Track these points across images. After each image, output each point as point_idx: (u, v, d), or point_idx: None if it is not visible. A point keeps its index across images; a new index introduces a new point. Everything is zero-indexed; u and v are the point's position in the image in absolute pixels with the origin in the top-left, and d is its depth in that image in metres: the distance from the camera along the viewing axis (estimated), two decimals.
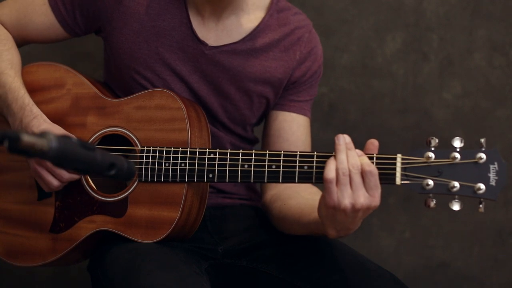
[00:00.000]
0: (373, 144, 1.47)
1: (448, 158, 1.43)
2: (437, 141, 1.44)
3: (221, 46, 1.73)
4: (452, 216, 2.39)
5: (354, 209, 1.41)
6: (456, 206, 1.43)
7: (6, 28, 1.80)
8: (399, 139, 2.36)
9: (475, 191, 1.42)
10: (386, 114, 2.39)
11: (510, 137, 2.37)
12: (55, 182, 1.64)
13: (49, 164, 1.61)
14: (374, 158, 1.46)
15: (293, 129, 1.82)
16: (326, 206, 1.42)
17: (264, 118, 1.87)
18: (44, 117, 1.68)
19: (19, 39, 1.81)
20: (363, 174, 1.41)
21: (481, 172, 1.42)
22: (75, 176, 1.66)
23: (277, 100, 1.82)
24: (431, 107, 2.37)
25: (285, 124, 1.82)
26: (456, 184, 1.42)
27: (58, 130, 1.67)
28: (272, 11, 1.77)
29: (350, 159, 1.42)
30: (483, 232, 2.40)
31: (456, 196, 1.43)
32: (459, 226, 2.40)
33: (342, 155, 1.43)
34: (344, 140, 1.44)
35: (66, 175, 1.64)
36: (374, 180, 1.41)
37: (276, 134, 1.83)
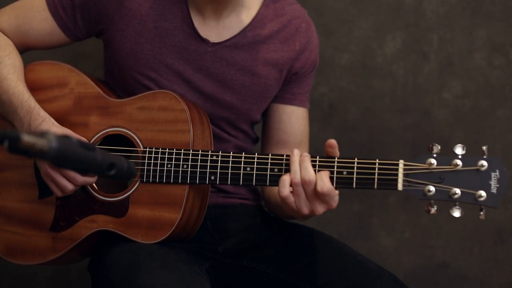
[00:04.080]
0: (331, 146, 1.52)
1: (450, 165, 1.44)
2: (439, 147, 1.46)
3: (223, 41, 1.74)
4: (452, 216, 2.39)
5: (314, 214, 1.52)
6: (457, 213, 1.45)
7: (7, 35, 1.79)
8: (399, 139, 2.36)
9: (476, 198, 1.43)
10: (386, 114, 2.38)
11: (510, 137, 2.37)
12: (69, 186, 1.62)
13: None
14: (377, 164, 1.48)
15: (292, 121, 1.85)
16: (288, 209, 1.53)
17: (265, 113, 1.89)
18: (53, 120, 1.66)
19: (20, 46, 1.80)
20: (316, 192, 1.48)
21: (482, 180, 1.43)
22: (88, 179, 1.63)
23: (278, 93, 1.83)
24: (431, 107, 2.37)
25: (285, 116, 1.85)
26: (458, 191, 1.43)
27: (68, 133, 1.64)
28: (268, 1, 1.78)
29: (303, 172, 1.49)
30: (483, 232, 2.40)
31: (457, 203, 1.45)
32: (459, 226, 2.40)
33: (294, 166, 1.50)
34: (298, 153, 1.52)
35: (80, 178, 1.61)
36: (329, 198, 1.49)
37: (275, 127, 1.86)
